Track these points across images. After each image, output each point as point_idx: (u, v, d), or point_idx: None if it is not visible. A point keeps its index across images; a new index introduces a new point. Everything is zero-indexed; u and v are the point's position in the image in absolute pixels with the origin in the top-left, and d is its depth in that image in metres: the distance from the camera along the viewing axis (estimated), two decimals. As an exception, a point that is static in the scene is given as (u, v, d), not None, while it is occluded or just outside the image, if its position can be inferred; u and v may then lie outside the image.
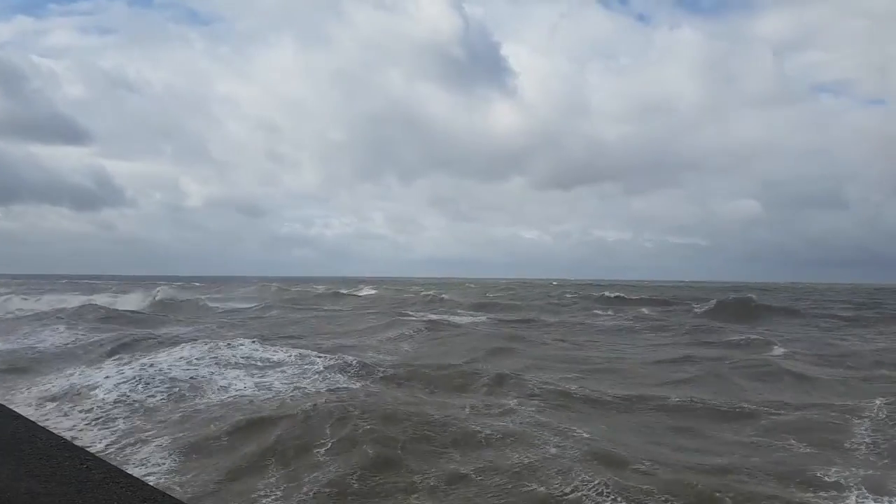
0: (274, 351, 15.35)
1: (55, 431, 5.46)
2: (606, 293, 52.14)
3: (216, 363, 13.69)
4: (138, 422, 9.94)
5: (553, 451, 7.98)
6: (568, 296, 54.94)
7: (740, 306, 35.58)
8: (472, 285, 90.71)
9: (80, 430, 9.54)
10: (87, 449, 5.26)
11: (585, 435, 8.76)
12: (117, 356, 15.37)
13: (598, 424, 9.69)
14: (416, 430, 8.68)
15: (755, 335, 22.05)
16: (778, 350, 18.56)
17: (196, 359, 13.89)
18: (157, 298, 44.24)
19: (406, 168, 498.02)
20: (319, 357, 14.62)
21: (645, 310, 39.55)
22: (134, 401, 10.99)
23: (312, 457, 8.00)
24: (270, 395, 11.41)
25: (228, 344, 15.53)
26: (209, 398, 11.33)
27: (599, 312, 37.21)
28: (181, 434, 9.15)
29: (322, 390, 11.69)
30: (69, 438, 7.11)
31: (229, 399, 11.23)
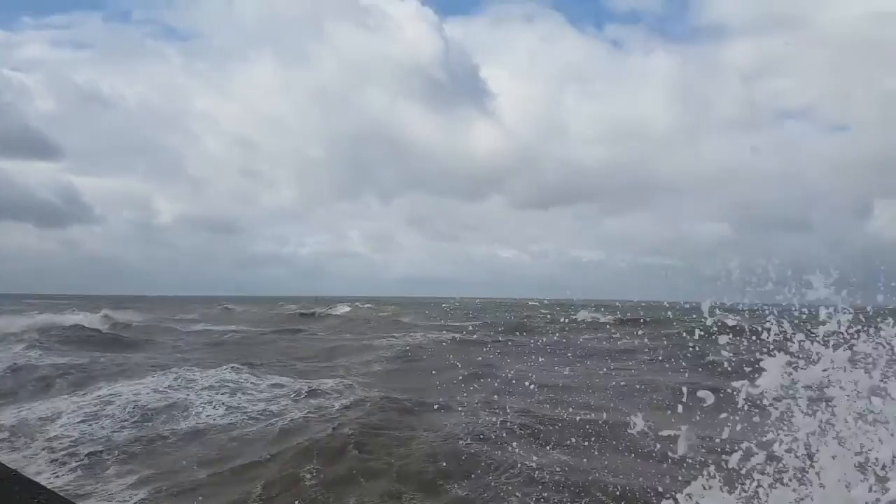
0: (247, 378, 14.47)
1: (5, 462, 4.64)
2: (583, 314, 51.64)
3: (186, 391, 12.74)
4: (100, 457, 8.99)
5: None
6: (545, 313, 54.59)
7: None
8: (446, 305, 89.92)
9: (34, 465, 8.58)
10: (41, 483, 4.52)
11: None
12: (78, 384, 14.30)
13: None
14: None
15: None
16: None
17: (165, 387, 12.94)
18: (119, 320, 42.53)
19: (385, 187, 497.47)
20: (295, 383, 13.81)
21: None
22: (96, 436, 10.01)
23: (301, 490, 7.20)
24: (248, 426, 10.55)
25: (199, 371, 14.65)
26: (179, 427, 10.42)
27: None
28: (149, 471, 8.28)
29: (297, 418, 10.88)
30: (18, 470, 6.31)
31: (202, 427, 10.35)
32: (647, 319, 44.18)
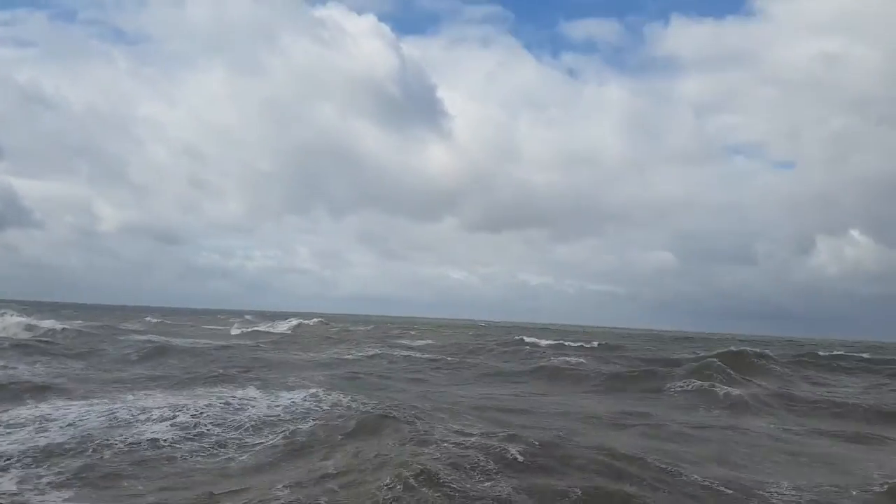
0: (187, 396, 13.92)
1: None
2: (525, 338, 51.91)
3: (129, 413, 12.03)
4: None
5: None
6: (491, 338, 54.99)
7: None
8: (392, 324, 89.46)
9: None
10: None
11: None
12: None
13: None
14: None
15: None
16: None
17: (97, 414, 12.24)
18: (50, 327, 40.10)
19: (336, 203, 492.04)
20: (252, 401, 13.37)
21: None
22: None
23: None
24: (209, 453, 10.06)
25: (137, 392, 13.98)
26: (118, 449, 9.80)
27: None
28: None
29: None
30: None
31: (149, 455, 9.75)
32: (592, 344, 45.16)
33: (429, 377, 22.48)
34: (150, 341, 31.80)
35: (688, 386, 19.57)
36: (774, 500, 8.08)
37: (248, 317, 71.58)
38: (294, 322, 61.91)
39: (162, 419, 11.32)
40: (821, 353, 41.28)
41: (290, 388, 15.53)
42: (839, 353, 44.22)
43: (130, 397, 13.70)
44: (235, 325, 59.15)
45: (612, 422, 13.70)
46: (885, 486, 8.77)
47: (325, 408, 12.84)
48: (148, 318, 65.44)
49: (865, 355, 42.01)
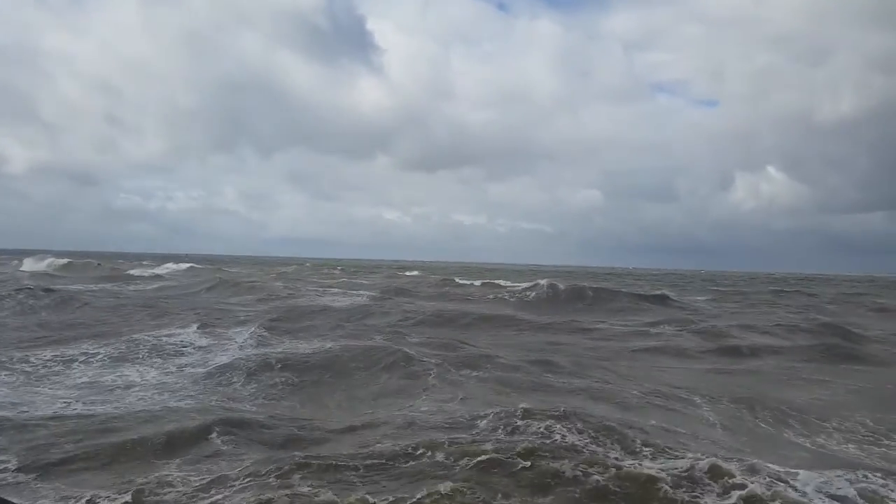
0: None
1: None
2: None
3: None
4: None
5: None
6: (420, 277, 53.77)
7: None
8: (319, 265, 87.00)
9: None
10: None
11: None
12: None
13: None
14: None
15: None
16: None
17: None
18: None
19: (263, 141, 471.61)
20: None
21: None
22: None
23: None
24: None
25: None
26: None
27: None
28: None
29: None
30: None
31: None
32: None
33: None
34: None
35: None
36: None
37: (145, 262, 67.36)
38: (184, 266, 58.24)
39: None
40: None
41: None
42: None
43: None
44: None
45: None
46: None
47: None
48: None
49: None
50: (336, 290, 37.66)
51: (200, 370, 11.74)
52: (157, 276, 49.38)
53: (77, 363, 12.11)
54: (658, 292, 36.90)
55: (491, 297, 33.78)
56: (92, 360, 12.44)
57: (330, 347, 13.54)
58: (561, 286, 33.28)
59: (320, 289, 38.66)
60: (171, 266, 58.20)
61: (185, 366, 12.25)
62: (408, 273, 67.05)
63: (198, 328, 16.63)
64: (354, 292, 34.81)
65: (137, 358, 12.77)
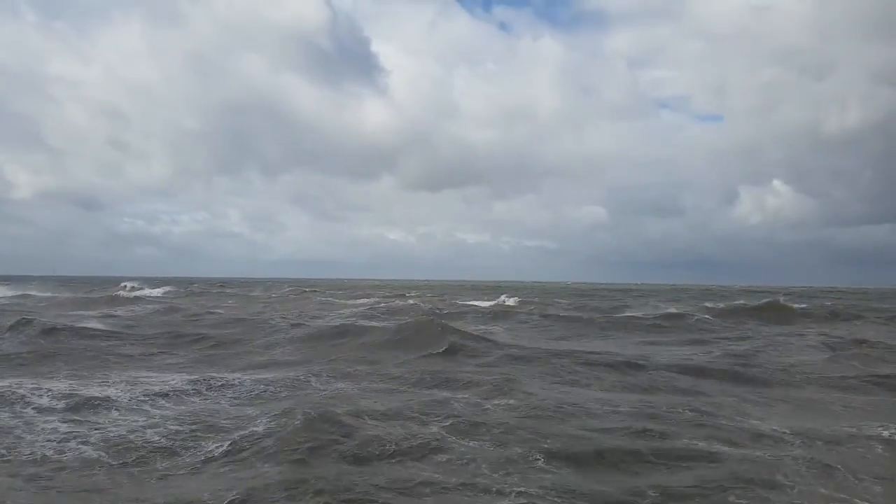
0: None
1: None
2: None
3: None
4: None
5: None
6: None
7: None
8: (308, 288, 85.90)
9: None
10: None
11: None
12: None
13: None
14: None
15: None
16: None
17: None
18: None
19: (268, 163, 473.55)
20: None
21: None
22: None
23: None
24: None
25: None
26: None
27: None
28: None
29: None
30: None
31: None
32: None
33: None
34: None
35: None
36: None
37: (129, 284, 66.25)
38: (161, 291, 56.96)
39: None
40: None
41: None
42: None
43: None
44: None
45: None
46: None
47: None
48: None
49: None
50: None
51: None
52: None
53: None
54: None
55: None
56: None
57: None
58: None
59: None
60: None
61: None
62: (397, 298, 65.29)
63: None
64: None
65: None
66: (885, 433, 8.50)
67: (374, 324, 24.22)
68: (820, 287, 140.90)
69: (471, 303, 41.50)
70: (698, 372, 13.68)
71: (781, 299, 39.96)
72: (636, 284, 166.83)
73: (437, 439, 7.77)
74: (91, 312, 32.09)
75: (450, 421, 8.72)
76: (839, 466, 6.97)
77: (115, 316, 29.88)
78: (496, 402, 10.19)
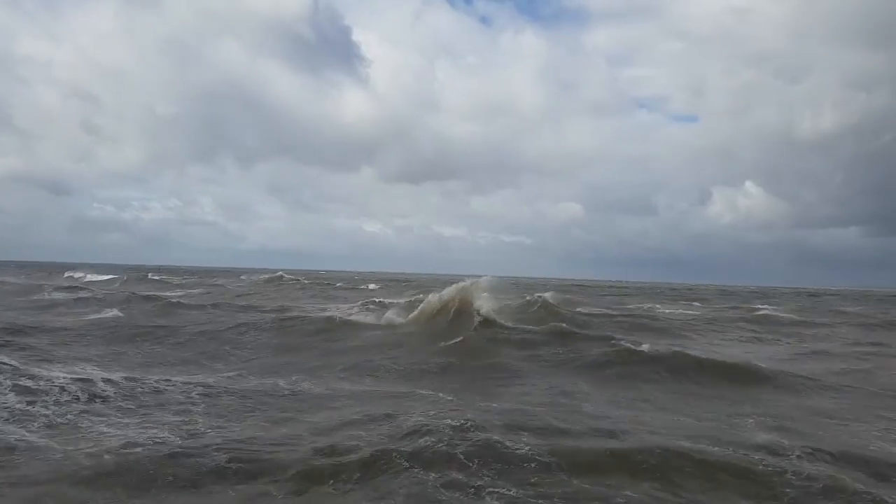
0: None
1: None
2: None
3: None
4: None
5: None
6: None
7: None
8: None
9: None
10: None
11: None
12: None
13: None
14: None
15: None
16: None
17: None
18: None
19: (244, 151, 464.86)
20: None
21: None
22: None
23: None
24: None
25: None
26: None
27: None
28: None
29: None
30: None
31: None
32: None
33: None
34: None
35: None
36: None
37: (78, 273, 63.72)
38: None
39: None
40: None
41: None
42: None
43: None
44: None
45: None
46: None
47: None
48: None
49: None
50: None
51: None
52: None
53: None
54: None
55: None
56: None
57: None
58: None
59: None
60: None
61: None
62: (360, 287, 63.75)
63: None
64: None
65: None
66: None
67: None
68: (786, 288, 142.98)
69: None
70: None
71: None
72: (608, 282, 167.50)
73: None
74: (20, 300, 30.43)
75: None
76: None
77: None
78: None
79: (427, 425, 7.23)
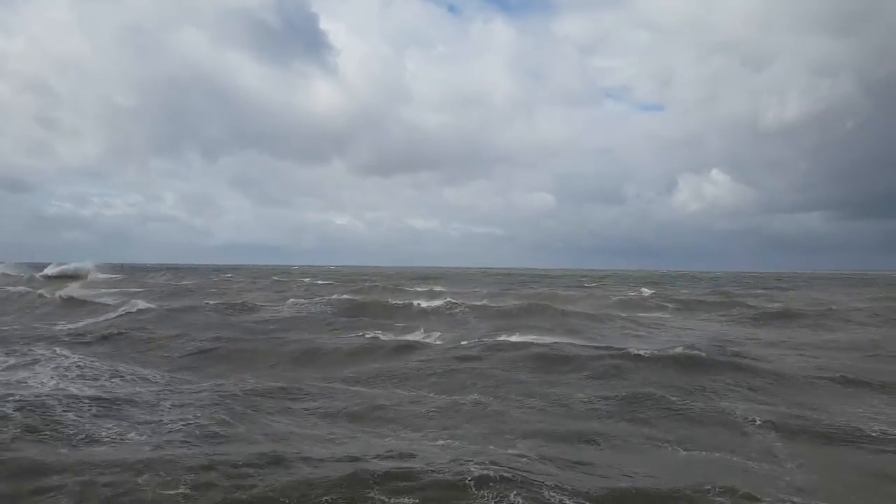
0: None
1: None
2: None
3: None
4: None
5: None
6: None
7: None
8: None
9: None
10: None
11: None
12: None
13: None
14: None
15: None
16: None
17: None
18: None
19: (209, 144, 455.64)
20: None
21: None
22: None
23: None
24: None
25: None
26: None
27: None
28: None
29: None
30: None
31: None
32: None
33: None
34: None
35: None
36: None
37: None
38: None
39: None
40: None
41: None
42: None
43: None
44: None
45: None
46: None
47: None
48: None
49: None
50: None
51: None
52: None
53: None
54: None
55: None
56: None
57: None
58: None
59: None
60: None
61: None
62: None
63: None
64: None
65: None
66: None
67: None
68: (750, 273, 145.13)
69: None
70: None
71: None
72: (581, 271, 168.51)
73: None
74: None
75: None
76: None
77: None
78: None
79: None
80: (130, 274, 67.02)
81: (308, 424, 8.18)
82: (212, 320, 20.80)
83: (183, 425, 7.45)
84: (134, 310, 23.05)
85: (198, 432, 7.21)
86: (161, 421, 7.68)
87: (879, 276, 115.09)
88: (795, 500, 5.84)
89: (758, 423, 8.43)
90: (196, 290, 41.25)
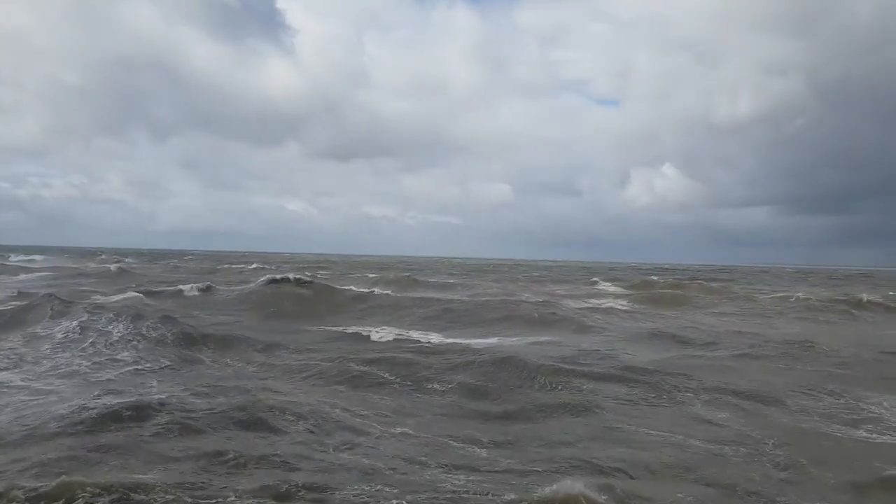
0: None
1: None
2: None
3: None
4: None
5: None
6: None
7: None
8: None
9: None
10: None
11: None
12: None
13: None
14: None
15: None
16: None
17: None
18: None
19: (157, 124, 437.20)
20: None
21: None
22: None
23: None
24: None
25: None
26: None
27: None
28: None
29: None
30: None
31: None
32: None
33: None
34: None
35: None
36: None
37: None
38: None
39: None
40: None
41: None
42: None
43: None
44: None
45: None
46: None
47: None
48: None
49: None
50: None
51: None
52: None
53: None
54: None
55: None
56: None
57: None
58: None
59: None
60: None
61: None
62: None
63: None
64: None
65: None
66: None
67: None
68: (697, 265, 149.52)
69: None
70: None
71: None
72: (534, 261, 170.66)
73: None
74: None
75: None
76: None
77: None
78: None
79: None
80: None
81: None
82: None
83: None
84: None
85: None
86: None
87: (823, 270, 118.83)
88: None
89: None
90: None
